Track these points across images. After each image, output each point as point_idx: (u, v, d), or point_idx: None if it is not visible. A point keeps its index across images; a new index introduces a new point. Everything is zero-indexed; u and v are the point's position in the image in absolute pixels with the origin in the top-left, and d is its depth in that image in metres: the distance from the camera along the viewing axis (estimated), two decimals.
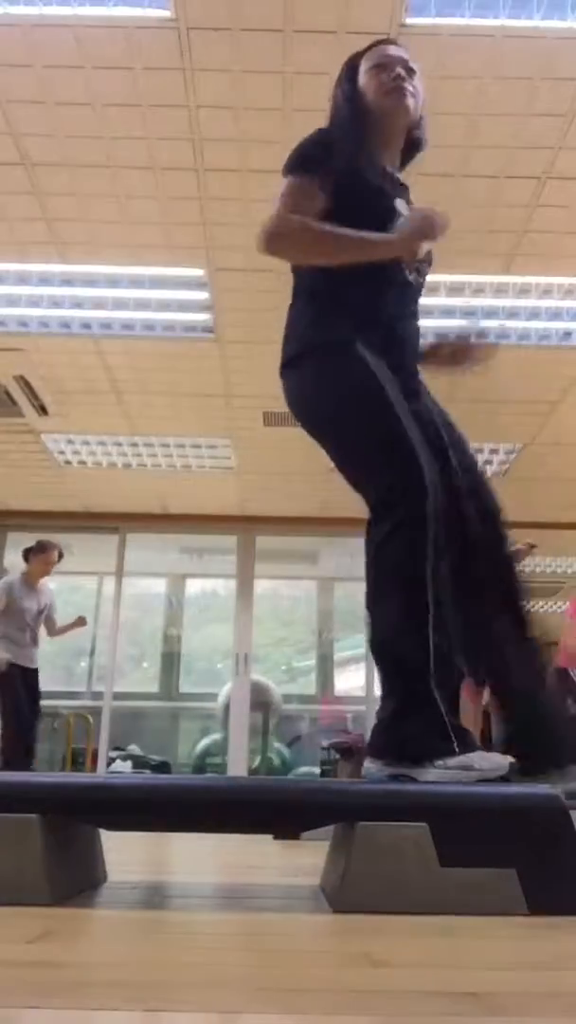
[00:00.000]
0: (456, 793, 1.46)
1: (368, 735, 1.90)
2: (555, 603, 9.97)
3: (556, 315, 4.54)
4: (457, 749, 1.54)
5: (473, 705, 3.48)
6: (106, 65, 3.07)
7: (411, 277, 1.83)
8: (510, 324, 4.60)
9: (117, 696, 7.52)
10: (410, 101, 1.84)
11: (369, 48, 1.92)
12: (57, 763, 7.49)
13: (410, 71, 1.86)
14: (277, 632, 9.34)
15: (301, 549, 8.18)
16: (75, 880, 1.45)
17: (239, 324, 4.59)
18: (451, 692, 1.62)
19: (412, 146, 1.97)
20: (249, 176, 3.56)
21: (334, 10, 2.84)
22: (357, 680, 8.07)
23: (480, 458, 6.33)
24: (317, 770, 7.06)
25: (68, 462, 6.59)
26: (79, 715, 7.67)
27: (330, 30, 2.91)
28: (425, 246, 1.77)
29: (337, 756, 6.44)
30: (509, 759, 1.59)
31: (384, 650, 1.66)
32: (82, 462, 6.59)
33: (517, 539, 4.64)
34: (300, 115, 3.20)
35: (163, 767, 7.54)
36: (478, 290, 4.28)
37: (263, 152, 3.43)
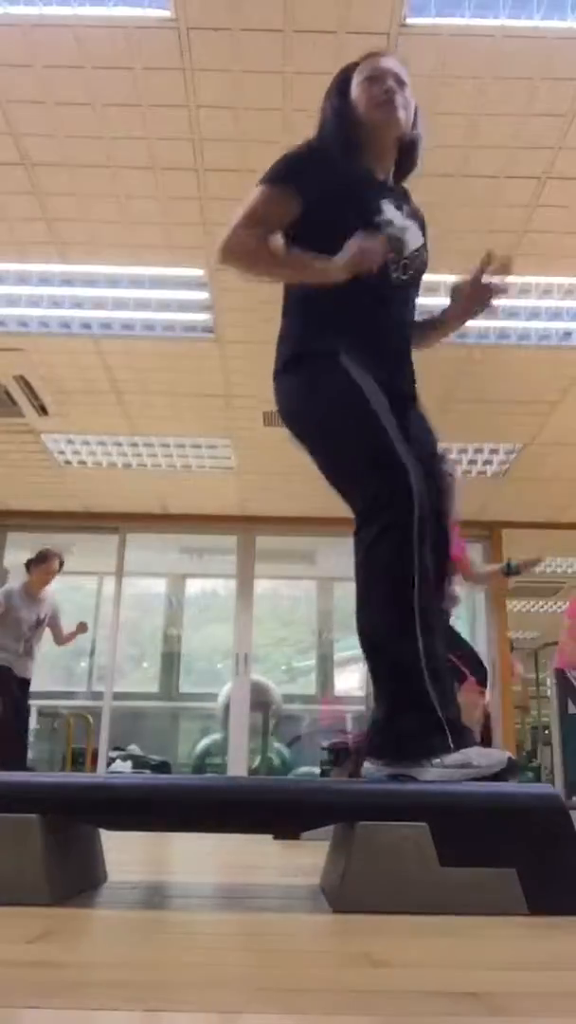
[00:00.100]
0: (456, 793, 1.46)
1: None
2: (555, 603, 9.98)
3: (556, 315, 4.54)
4: (453, 746, 1.54)
5: (473, 704, 3.48)
6: (106, 65, 3.07)
7: (397, 277, 1.84)
8: (510, 324, 4.60)
9: (117, 696, 7.52)
10: (400, 113, 1.87)
11: (362, 59, 1.94)
12: (57, 763, 7.49)
13: (401, 83, 1.89)
14: (277, 632, 9.34)
15: (301, 549, 8.18)
16: (75, 880, 1.45)
17: (239, 324, 4.59)
18: (445, 689, 1.63)
19: (406, 156, 1.99)
20: (249, 176, 3.52)
21: (334, 10, 2.84)
22: (357, 680, 8.07)
23: (480, 458, 6.34)
24: (317, 770, 7.06)
25: (68, 462, 6.59)
26: (79, 715, 7.67)
27: (330, 30, 2.91)
28: (412, 244, 1.80)
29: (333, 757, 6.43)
30: (508, 754, 1.60)
31: (376, 651, 1.68)
32: (82, 462, 6.59)
33: (523, 554, 4.64)
34: (300, 115, 3.20)
35: (163, 767, 7.54)
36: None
37: (263, 152, 3.41)
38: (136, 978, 0.86)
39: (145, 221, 3.87)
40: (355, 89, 1.90)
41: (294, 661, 9.32)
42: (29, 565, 5.50)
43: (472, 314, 1.92)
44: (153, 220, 3.87)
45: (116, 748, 7.39)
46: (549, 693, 6.31)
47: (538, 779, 8.27)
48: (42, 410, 5.64)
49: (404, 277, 1.85)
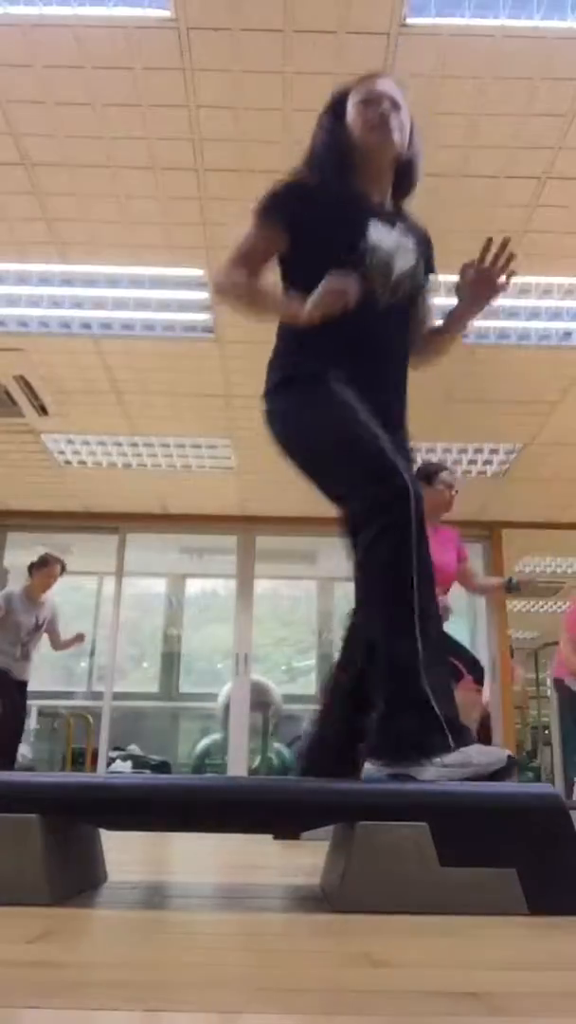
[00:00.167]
0: (456, 792, 1.46)
1: None
2: (555, 603, 9.98)
3: (556, 315, 4.54)
4: (453, 744, 1.54)
5: (471, 703, 3.48)
6: (106, 65, 3.07)
7: (386, 301, 1.85)
8: (510, 324, 4.60)
9: (117, 696, 7.52)
10: (396, 136, 1.89)
11: (357, 81, 1.96)
12: (57, 763, 7.49)
13: (396, 106, 1.90)
14: (277, 632, 9.35)
15: (301, 549, 8.18)
16: (75, 880, 1.45)
17: (239, 324, 4.58)
18: (444, 688, 1.64)
19: (404, 177, 1.99)
20: (249, 176, 3.56)
21: (334, 10, 2.84)
22: None
23: (480, 458, 6.34)
24: None
25: (68, 462, 6.59)
26: (79, 715, 7.68)
27: (330, 30, 2.91)
28: (402, 266, 1.84)
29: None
30: (507, 752, 1.60)
31: (374, 651, 1.68)
32: (82, 462, 6.59)
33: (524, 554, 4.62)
34: (300, 115, 3.20)
35: (163, 767, 7.54)
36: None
37: (263, 152, 3.43)
38: (136, 978, 0.86)
39: (145, 221, 3.87)
40: (350, 112, 1.92)
41: (294, 661, 9.32)
42: (31, 569, 5.51)
43: (480, 303, 1.92)
44: (153, 220, 3.87)
45: (116, 748, 7.39)
46: (549, 693, 6.31)
47: (538, 779, 8.28)
48: (42, 410, 5.64)
49: (393, 300, 1.86)
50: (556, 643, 6.04)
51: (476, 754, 1.56)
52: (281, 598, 9.47)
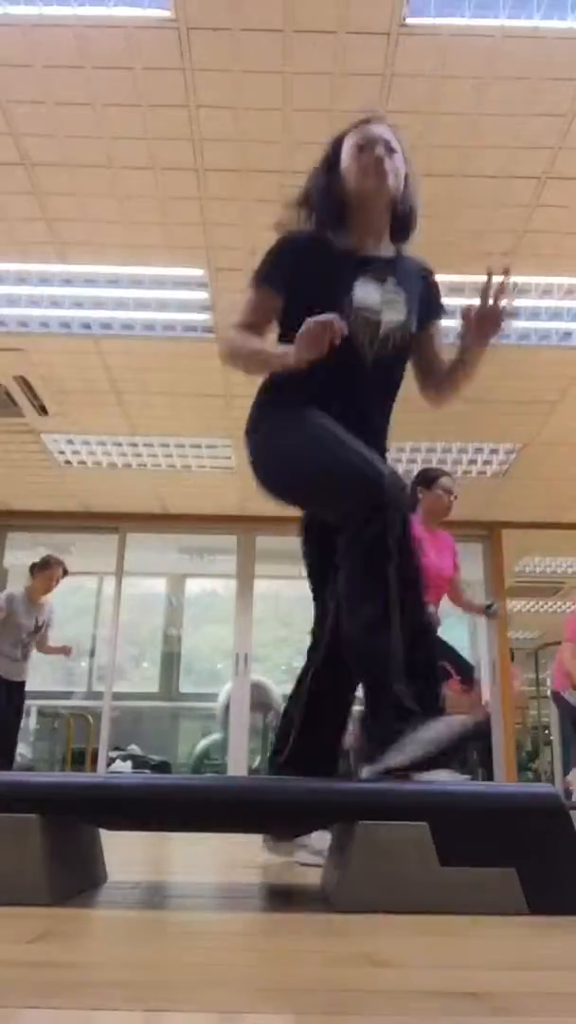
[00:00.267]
0: (456, 792, 1.46)
1: None
2: (555, 603, 9.98)
3: (556, 315, 4.54)
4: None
5: (454, 703, 3.47)
6: (106, 65, 3.07)
7: (369, 358, 1.87)
8: (510, 324, 4.60)
9: (117, 696, 7.52)
10: (391, 180, 1.90)
11: (353, 125, 1.96)
12: (57, 763, 7.49)
13: (391, 150, 1.91)
14: (277, 632, 9.34)
15: (296, 552, 8.15)
16: (75, 880, 1.45)
17: None
18: (426, 688, 1.68)
19: (401, 221, 2.00)
20: (249, 176, 3.56)
21: (334, 10, 2.84)
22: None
23: (480, 458, 6.34)
24: None
25: (68, 462, 6.59)
26: (79, 715, 7.68)
27: (330, 30, 2.91)
28: (390, 321, 1.87)
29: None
30: (465, 720, 1.65)
31: (354, 648, 1.73)
32: (82, 462, 6.59)
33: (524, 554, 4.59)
34: (300, 115, 3.20)
35: (163, 767, 7.54)
36: (478, 290, 4.28)
37: (263, 152, 3.43)
38: (136, 978, 0.86)
39: (145, 221, 3.87)
40: (344, 156, 1.93)
41: (294, 661, 9.32)
42: (33, 570, 5.51)
43: (485, 341, 1.92)
44: (153, 220, 3.87)
45: (116, 748, 7.39)
46: (548, 693, 6.31)
47: (538, 779, 8.28)
48: (42, 410, 5.64)
49: (381, 355, 1.88)
50: (557, 643, 6.04)
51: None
52: (281, 598, 9.46)
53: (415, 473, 3.92)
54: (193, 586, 9.48)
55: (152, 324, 4.67)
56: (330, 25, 2.89)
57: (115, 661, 7.59)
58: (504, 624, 7.48)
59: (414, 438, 5.89)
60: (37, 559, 5.57)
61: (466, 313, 1.88)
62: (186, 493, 7.14)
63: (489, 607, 3.91)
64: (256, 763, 7.59)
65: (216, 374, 5.11)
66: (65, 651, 5.73)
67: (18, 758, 6.84)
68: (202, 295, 4.42)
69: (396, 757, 1.55)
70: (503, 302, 1.83)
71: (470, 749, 7.76)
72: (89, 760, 7.21)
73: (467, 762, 7.74)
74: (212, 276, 4.24)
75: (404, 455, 6.20)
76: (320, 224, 1.93)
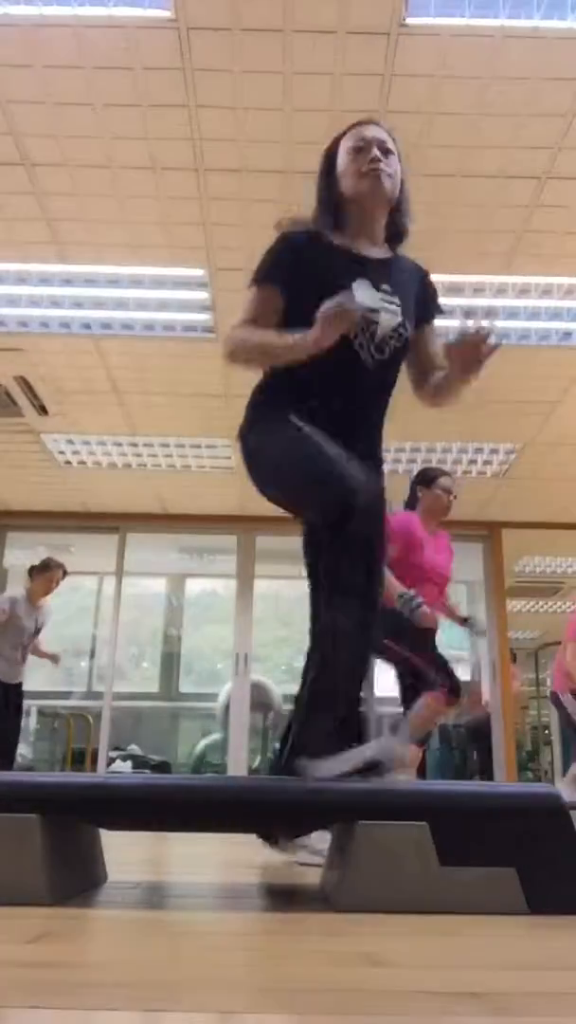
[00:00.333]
0: (456, 792, 1.46)
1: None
2: (555, 603, 9.98)
3: (556, 315, 4.54)
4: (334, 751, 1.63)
5: (433, 713, 3.47)
6: (106, 65, 3.07)
7: (369, 358, 1.87)
8: (510, 324, 4.60)
9: (117, 696, 7.52)
10: (386, 183, 1.91)
11: (349, 128, 1.98)
12: (57, 763, 7.49)
13: (387, 152, 1.93)
14: (277, 632, 9.34)
15: (296, 550, 8.15)
16: (75, 880, 1.45)
17: None
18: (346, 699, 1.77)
19: (397, 223, 2.01)
20: (249, 176, 3.56)
21: (334, 10, 2.84)
22: None
23: (480, 458, 6.34)
24: None
25: (68, 462, 6.59)
26: (79, 715, 7.68)
27: (330, 30, 2.91)
28: (387, 324, 1.88)
29: None
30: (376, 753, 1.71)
31: (321, 657, 1.77)
32: (82, 462, 6.59)
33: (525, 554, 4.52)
34: (300, 115, 3.20)
35: (163, 767, 7.54)
36: (478, 290, 4.29)
37: (263, 152, 3.43)
38: (136, 978, 0.86)
39: (145, 221, 3.87)
40: (341, 158, 1.95)
41: (294, 661, 9.32)
42: (32, 572, 5.50)
43: (467, 374, 1.92)
44: (153, 220, 3.87)
45: (116, 748, 7.39)
46: (548, 693, 6.31)
47: (538, 780, 8.29)
48: (42, 410, 5.64)
49: (379, 357, 1.88)
50: (557, 643, 6.04)
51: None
52: (281, 598, 9.47)
53: (415, 473, 3.91)
54: (193, 586, 9.48)
55: (152, 324, 4.67)
56: (330, 25, 2.89)
57: (115, 661, 7.59)
58: (504, 624, 7.48)
59: (414, 438, 5.89)
60: (37, 560, 5.57)
61: (447, 350, 1.89)
62: (186, 493, 7.14)
63: (465, 620, 3.91)
64: (256, 763, 7.59)
65: (216, 374, 5.11)
66: (54, 658, 5.73)
67: (18, 758, 6.84)
68: (202, 295, 4.42)
69: (326, 767, 1.61)
70: (485, 344, 1.83)
71: (470, 750, 7.77)
72: (89, 760, 7.21)
73: (467, 763, 7.75)
74: (212, 276, 4.24)
75: (404, 455, 6.20)
76: (317, 225, 1.95)
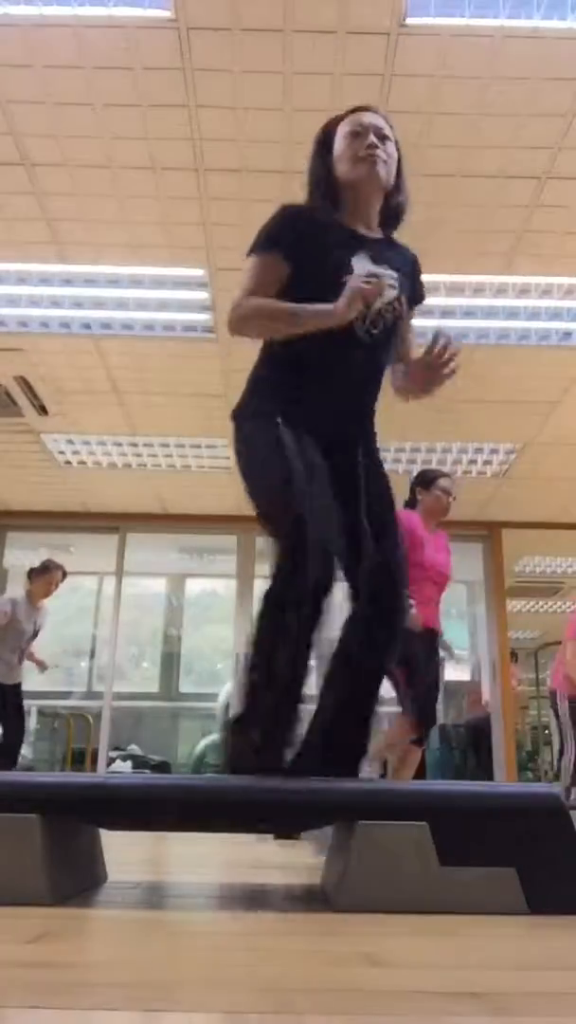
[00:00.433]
0: (456, 792, 1.46)
1: None
2: (555, 603, 9.98)
3: (556, 315, 4.54)
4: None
5: (396, 736, 3.48)
6: (106, 65, 3.07)
7: (366, 332, 1.87)
8: (510, 324, 4.60)
9: (117, 696, 7.52)
10: (381, 168, 1.91)
11: (347, 113, 1.98)
12: (57, 763, 7.49)
13: (384, 138, 1.93)
14: None
15: None
16: (75, 880, 1.45)
17: None
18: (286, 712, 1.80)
19: (393, 209, 2.01)
20: (249, 176, 3.56)
21: (334, 10, 2.84)
22: None
23: (480, 458, 6.34)
24: None
25: (68, 462, 6.59)
26: (79, 715, 7.67)
27: (330, 30, 2.91)
28: (384, 298, 1.86)
29: None
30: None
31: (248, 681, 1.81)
32: (82, 462, 6.59)
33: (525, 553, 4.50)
34: (300, 115, 3.20)
35: (163, 767, 7.54)
36: (478, 290, 4.29)
37: (263, 152, 3.43)
38: (136, 978, 0.86)
39: (145, 221, 3.87)
40: (338, 143, 1.96)
41: None
42: (31, 574, 5.50)
43: (426, 389, 1.94)
44: (153, 220, 3.87)
45: (116, 748, 7.39)
46: (547, 692, 6.31)
47: (538, 779, 8.28)
48: (42, 410, 5.64)
49: (373, 332, 1.87)
50: (557, 643, 6.04)
51: None
52: None
53: (414, 474, 3.91)
54: (193, 586, 9.47)
55: (152, 324, 4.67)
56: (330, 25, 2.89)
57: (115, 661, 7.59)
58: (504, 624, 7.48)
59: (414, 438, 5.89)
60: (37, 561, 5.56)
61: (413, 365, 1.92)
62: (186, 493, 7.14)
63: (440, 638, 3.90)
64: None
65: (216, 374, 5.11)
66: (42, 665, 5.71)
67: (19, 758, 6.83)
68: (202, 295, 4.42)
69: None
70: (447, 365, 1.85)
71: (470, 750, 7.77)
72: (89, 760, 7.21)
73: (467, 763, 7.75)
74: (212, 276, 4.24)
75: (404, 455, 6.20)
76: (315, 203, 1.95)
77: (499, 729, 7.11)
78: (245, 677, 1.78)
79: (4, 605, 5.34)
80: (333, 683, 1.91)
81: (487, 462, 6.40)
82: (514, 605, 9.32)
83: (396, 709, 3.44)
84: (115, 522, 7.65)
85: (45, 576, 5.44)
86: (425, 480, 3.72)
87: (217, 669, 8.72)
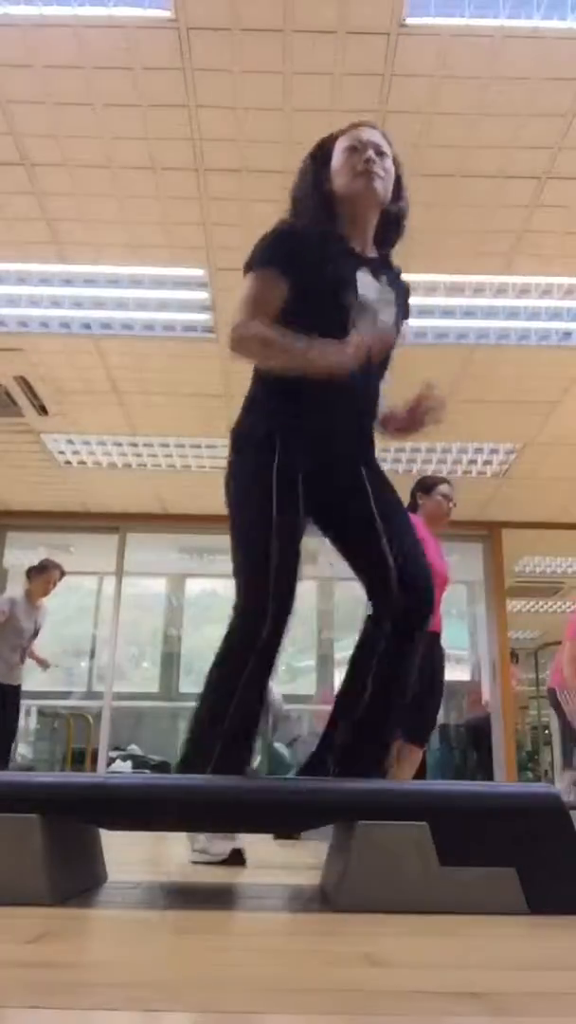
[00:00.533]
0: (456, 792, 1.46)
1: None
2: (555, 603, 9.98)
3: (556, 315, 4.54)
4: None
5: (405, 760, 3.47)
6: (106, 65, 3.07)
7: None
8: (510, 324, 4.60)
9: (117, 696, 7.51)
10: (378, 184, 1.90)
11: (344, 129, 1.97)
12: (57, 763, 7.49)
13: (382, 154, 1.92)
14: None
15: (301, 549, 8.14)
16: (75, 880, 1.45)
17: None
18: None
19: (390, 223, 2.00)
20: (249, 176, 3.56)
21: (334, 10, 2.84)
22: None
23: (480, 458, 6.34)
24: None
25: (68, 462, 6.59)
26: (79, 715, 7.67)
27: (330, 30, 2.91)
28: (384, 326, 1.86)
29: None
30: (232, 847, 2.03)
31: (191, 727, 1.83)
32: (82, 462, 6.59)
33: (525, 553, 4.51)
34: (300, 115, 3.20)
35: (163, 767, 7.53)
36: (478, 290, 4.29)
37: (263, 152, 3.43)
38: (136, 978, 0.86)
39: (145, 221, 3.87)
40: (336, 157, 1.94)
41: (294, 661, 9.32)
42: (30, 573, 5.51)
43: (401, 434, 2.00)
44: (153, 220, 3.87)
45: (116, 748, 7.39)
46: (546, 690, 6.32)
47: (538, 780, 8.28)
48: (42, 410, 5.64)
49: (371, 366, 1.86)
50: (557, 643, 6.04)
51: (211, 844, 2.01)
52: None
53: (415, 481, 3.92)
54: (193, 586, 9.47)
55: (152, 324, 4.67)
56: (330, 25, 2.89)
57: (115, 661, 7.59)
58: (504, 624, 7.48)
59: (414, 438, 5.88)
60: (36, 561, 5.57)
61: (397, 413, 1.95)
62: (186, 493, 7.14)
63: None
64: (256, 763, 7.58)
65: (216, 374, 5.11)
66: (44, 664, 5.72)
67: (18, 758, 6.84)
68: (202, 295, 4.42)
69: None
70: (430, 416, 1.90)
71: (470, 750, 7.77)
72: (89, 760, 7.21)
73: (467, 764, 7.75)
74: (212, 276, 4.24)
75: (404, 455, 6.20)
76: (309, 218, 1.93)
77: (499, 729, 7.11)
78: (192, 722, 1.82)
79: (3, 604, 5.34)
80: (356, 694, 1.89)
81: (487, 462, 6.40)
82: (514, 605, 9.32)
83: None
84: (115, 522, 7.65)
85: (43, 575, 5.44)
86: (425, 486, 3.75)
87: None
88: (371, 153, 1.90)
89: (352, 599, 1.90)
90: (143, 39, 2.96)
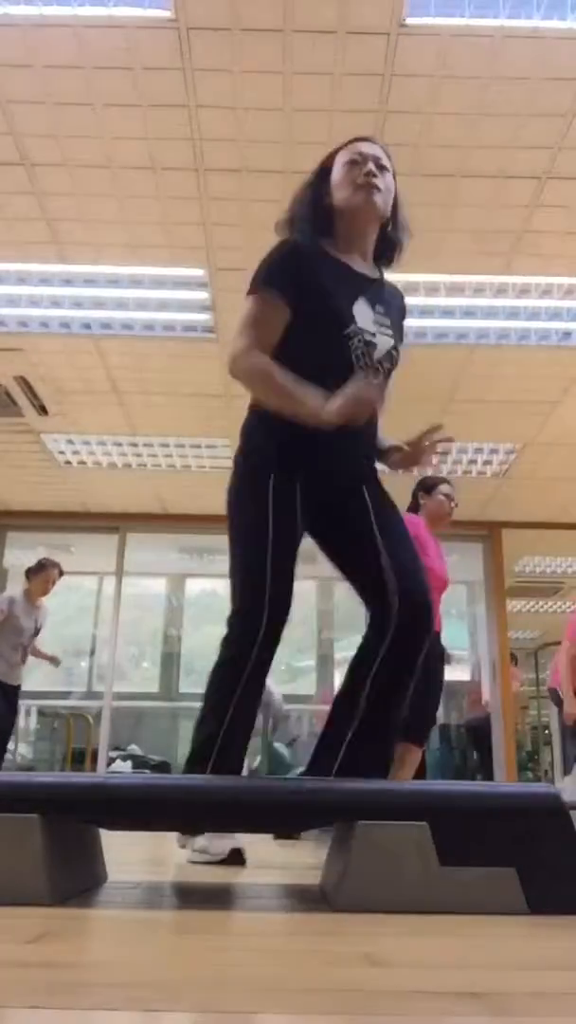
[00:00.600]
0: (456, 792, 1.46)
1: None
2: (555, 603, 9.98)
3: (556, 315, 4.54)
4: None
5: (405, 762, 3.47)
6: (106, 65, 3.07)
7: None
8: (510, 324, 4.60)
9: (117, 696, 7.52)
10: (378, 198, 1.90)
11: (345, 144, 1.97)
12: (57, 763, 7.49)
13: (382, 168, 1.93)
14: None
15: (301, 549, 8.15)
16: (75, 880, 1.45)
17: None
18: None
19: (387, 244, 2.01)
20: (249, 176, 3.56)
21: (334, 10, 2.84)
22: None
23: (480, 458, 6.34)
24: None
25: (68, 462, 6.59)
26: (79, 715, 7.67)
27: (330, 30, 2.91)
28: (381, 349, 1.89)
29: None
30: (232, 846, 2.01)
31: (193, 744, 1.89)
32: (82, 462, 6.59)
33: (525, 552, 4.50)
34: (300, 115, 3.20)
35: (163, 767, 7.54)
36: (478, 290, 4.29)
37: (263, 152, 3.43)
38: (136, 978, 0.86)
39: (145, 221, 3.87)
40: (336, 171, 1.95)
41: (294, 661, 9.32)
42: (29, 574, 5.51)
43: (399, 468, 2.03)
44: (153, 220, 3.87)
45: (116, 748, 7.39)
46: (547, 689, 6.32)
47: (538, 779, 8.28)
48: (42, 410, 5.64)
49: (374, 382, 1.86)
50: (557, 643, 6.04)
51: (210, 843, 2.00)
52: None
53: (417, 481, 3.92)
54: (193, 586, 9.48)
55: (152, 324, 4.67)
56: (330, 25, 2.89)
57: (115, 661, 7.59)
58: (504, 624, 7.48)
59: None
60: (35, 561, 5.57)
61: (399, 449, 1.98)
62: (186, 493, 7.15)
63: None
64: (256, 763, 7.58)
65: (216, 374, 5.12)
66: (54, 660, 5.74)
67: (18, 758, 6.84)
68: (202, 295, 4.42)
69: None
70: (432, 455, 1.94)
71: (470, 750, 7.77)
72: (89, 760, 7.21)
73: (467, 764, 7.75)
74: (212, 276, 4.24)
75: None
76: (307, 235, 1.91)
77: (499, 729, 7.11)
78: (196, 727, 1.88)
79: (2, 603, 5.35)
80: (355, 697, 1.90)
81: (487, 462, 6.41)
82: (514, 605, 9.32)
83: None
84: (115, 522, 7.65)
85: (42, 574, 5.45)
86: (427, 486, 3.75)
87: None
88: (371, 166, 1.90)
89: (352, 599, 1.88)
90: (143, 39, 2.96)
